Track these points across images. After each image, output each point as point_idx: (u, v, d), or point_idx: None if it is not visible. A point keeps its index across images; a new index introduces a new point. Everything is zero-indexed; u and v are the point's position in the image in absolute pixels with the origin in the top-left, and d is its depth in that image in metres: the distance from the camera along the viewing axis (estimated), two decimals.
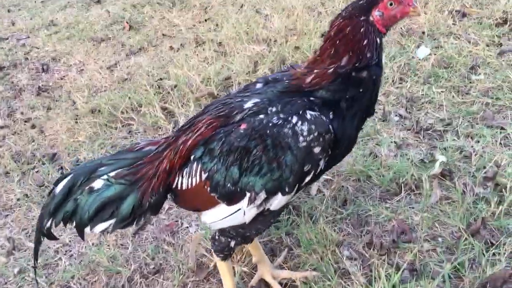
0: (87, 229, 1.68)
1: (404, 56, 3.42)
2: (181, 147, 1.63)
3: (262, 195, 1.53)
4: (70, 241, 2.35)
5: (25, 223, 2.53)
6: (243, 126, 1.53)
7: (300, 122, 1.48)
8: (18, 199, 2.69)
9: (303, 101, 1.54)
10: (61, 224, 1.70)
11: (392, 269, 1.90)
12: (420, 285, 1.79)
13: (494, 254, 1.91)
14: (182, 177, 1.64)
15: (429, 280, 1.82)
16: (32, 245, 2.35)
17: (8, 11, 5.90)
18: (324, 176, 2.46)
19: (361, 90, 1.56)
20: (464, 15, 3.84)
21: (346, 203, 2.32)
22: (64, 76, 4.03)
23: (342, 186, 2.40)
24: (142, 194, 1.65)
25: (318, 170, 1.54)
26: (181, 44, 4.23)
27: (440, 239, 2.03)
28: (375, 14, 1.54)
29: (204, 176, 1.58)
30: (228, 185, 1.54)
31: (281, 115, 1.50)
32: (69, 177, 1.69)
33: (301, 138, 1.46)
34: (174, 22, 4.76)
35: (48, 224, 1.70)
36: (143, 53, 4.26)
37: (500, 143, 2.50)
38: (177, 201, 1.74)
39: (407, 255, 1.99)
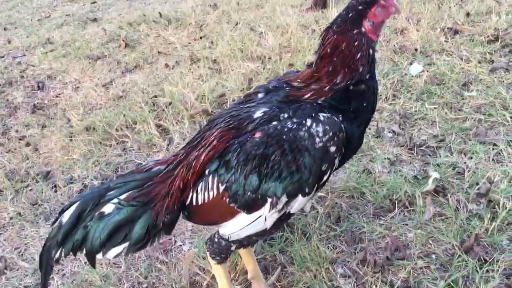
0: (99, 255, 1.65)
1: (397, 73, 3.45)
2: (194, 163, 1.64)
3: (284, 198, 1.56)
4: (62, 260, 2.32)
5: (18, 242, 2.51)
6: (258, 134, 1.56)
7: (314, 124, 1.52)
8: (11, 218, 2.68)
9: (312, 105, 1.59)
10: (71, 253, 1.66)
11: (386, 286, 1.90)
12: None
13: (487, 271, 1.90)
14: (197, 192, 1.64)
15: None
16: (25, 264, 2.33)
17: (5, 29, 5.95)
18: (318, 193, 2.47)
19: (364, 104, 1.63)
20: (456, 32, 3.89)
21: (340, 220, 2.32)
22: (59, 94, 4.05)
23: (336, 203, 2.40)
24: (156, 214, 1.65)
25: (334, 168, 1.59)
26: (176, 62, 4.27)
27: (434, 256, 2.02)
28: (366, 24, 1.58)
29: (221, 188, 1.59)
30: (248, 193, 1.56)
31: (295, 120, 1.55)
32: (76, 205, 1.65)
33: (317, 140, 1.51)
34: (170, 40, 4.81)
35: (57, 255, 1.65)
36: (138, 70, 4.29)
37: (493, 159, 2.51)
38: (191, 217, 1.73)
39: (401, 273, 1.98)
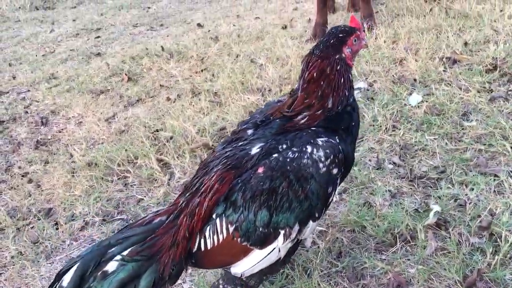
0: None
1: (396, 104, 3.47)
2: (197, 210, 1.63)
3: (296, 227, 1.59)
4: None
5: (19, 282, 2.50)
6: (261, 169, 1.58)
7: (315, 150, 1.58)
8: (12, 257, 2.67)
9: (307, 132, 1.65)
10: None
11: None
12: None
13: None
14: (205, 238, 1.63)
15: None
16: None
17: (10, 65, 6.05)
18: (318, 228, 2.46)
19: (353, 123, 1.76)
20: (454, 61, 3.92)
21: (341, 255, 2.30)
22: (62, 129, 4.09)
23: (337, 238, 2.38)
24: (162, 267, 1.62)
25: (337, 188, 1.66)
26: (177, 95, 4.31)
27: None
28: (346, 51, 1.71)
29: (231, 228, 1.59)
30: (260, 229, 1.57)
31: (295, 149, 1.59)
32: (76, 266, 1.59)
33: (321, 165, 1.57)
34: (172, 73, 4.87)
35: None
36: (140, 104, 4.34)
37: (494, 191, 2.49)
38: (200, 263, 1.72)
39: None
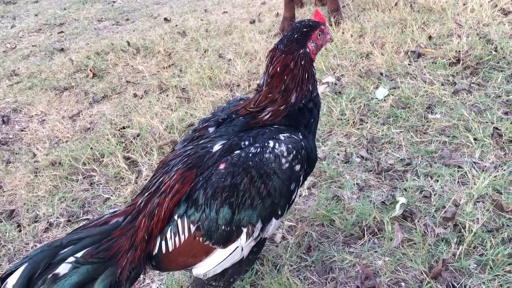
0: None
1: (363, 98, 3.50)
2: (157, 210, 1.58)
3: (259, 225, 1.56)
4: None
5: None
6: (222, 165, 1.55)
7: (277, 145, 1.55)
8: None
9: (270, 129, 1.63)
10: None
11: None
12: None
13: None
14: (166, 240, 1.58)
15: None
16: None
17: None
18: (288, 223, 2.46)
19: (312, 120, 1.75)
20: (419, 55, 3.99)
21: (310, 250, 2.30)
22: (25, 128, 3.96)
23: (306, 232, 2.39)
24: (120, 269, 1.54)
25: (300, 185, 1.63)
26: (145, 91, 4.24)
27: (403, 283, 2.03)
28: (310, 45, 1.71)
29: (193, 228, 1.55)
30: (222, 227, 1.53)
31: (257, 145, 1.57)
32: (23, 267, 1.46)
33: (283, 160, 1.54)
34: (138, 69, 4.78)
35: None
36: (106, 101, 4.24)
37: (458, 182, 2.55)
38: (161, 266, 1.64)
39: None
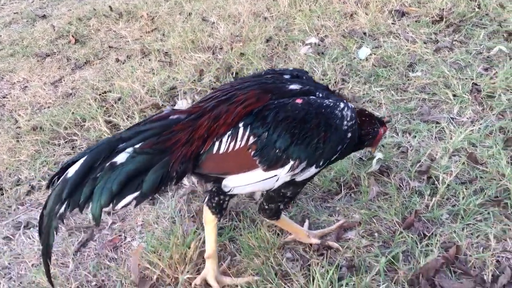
0: (107, 208, 1.61)
1: (346, 58, 3.49)
2: (225, 115, 1.67)
3: (302, 165, 1.66)
4: (9, 263, 2.28)
5: None
6: (299, 100, 1.68)
7: (346, 109, 1.70)
8: None
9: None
10: (78, 209, 1.59)
11: (331, 267, 1.93)
12: (353, 280, 1.82)
13: (427, 245, 1.96)
14: (221, 142, 1.66)
15: (365, 275, 1.85)
16: None
17: None
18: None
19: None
20: (403, 14, 3.96)
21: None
22: (6, 95, 3.93)
23: None
24: (173, 161, 1.64)
25: (336, 155, 1.75)
26: (127, 56, 4.19)
27: (376, 234, 2.07)
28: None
29: (252, 140, 1.64)
30: (276, 151, 1.63)
31: (330, 100, 1.71)
32: (85, 158, 1.60)
33: (345, 122, 1.68)
34: (121, 34, 4.72)
35: (62, 210, 1.57)
36: (88, 66, 4.20)
37: (435, 137, 2.58)
38: (202, 166, 1.70)
39: (347, 252, 2.02)
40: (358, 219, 2.16)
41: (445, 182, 2.19)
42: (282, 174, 1.67)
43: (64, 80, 3.98)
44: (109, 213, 2.45)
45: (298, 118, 1.63)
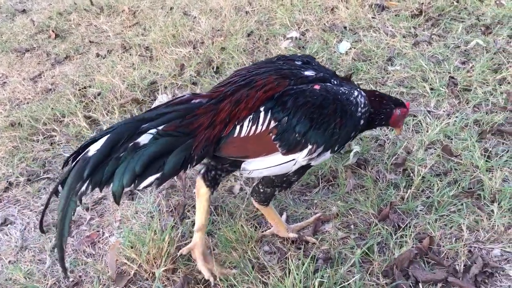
0: (129, 188, 1.61)
1: (326, 52, 3.50)
2: (246, 99, 1.71)
3: (320, 149, 1.71)
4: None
5: None
6: (317, 87, 1.73)
7: (359, 96, 1.77)
8: None
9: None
10: (98, 188, 1.57)
11: (308, 259, 1.94)
12: (328, 272, 1.84)
13: (402, 236, 1.99)
14: (242, 126, 1.70)
15: (340, 267, 1.87)
16: None
17: None
18: (246, 175, 2.49)
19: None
20: (383, 8, 3.98)
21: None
22: None
23: None
24: (196, 144, 1.66)
25: (350, 140, 1.83)
26: (108, 51, 4.16)
27: (353, 226, 2.10)
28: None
29: (273, 124, 1.68)
30: (296, 135, 1.68)
31: (345, 88, 1.77)
32: (107, 136, 1.60)
33: (359, 109, 1.75)
34: (102, 28, 4.68)
35: (83, 189, 1.56)
36: (68, 61, 4.16)
37: (412, 130, 2.61)
38: (224, 148, 1.73)
39: (324, 245, 2.04)
40: (335, 211, 2.18)
41: (420, 174, 2.22)
42: (300, 158, 1.72)
43: (43, 76, 3.94)
44: (87, 209, 2.44)
45: (316, 103, 1.69)
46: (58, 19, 4.98)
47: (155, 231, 2.08)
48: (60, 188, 1.61)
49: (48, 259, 2.19)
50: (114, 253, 2.09)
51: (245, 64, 3.44)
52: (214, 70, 3.51)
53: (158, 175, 1.62)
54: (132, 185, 1.59)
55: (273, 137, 1.68)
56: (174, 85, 3.39)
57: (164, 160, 1.62)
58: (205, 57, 3.65)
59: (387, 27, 3.67)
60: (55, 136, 3.06)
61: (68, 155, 1.66)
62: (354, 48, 3.47)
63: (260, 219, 2.24)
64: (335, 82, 1.81)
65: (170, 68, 3.59)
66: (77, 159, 1.60)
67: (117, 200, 1.60)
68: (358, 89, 1.81)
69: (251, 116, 1.70)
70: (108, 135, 1.61)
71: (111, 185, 1.58)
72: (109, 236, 2.28)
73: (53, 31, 4.70)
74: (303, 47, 3.63)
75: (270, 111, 1.69)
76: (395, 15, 3.81)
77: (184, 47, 3.86)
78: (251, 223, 2.21)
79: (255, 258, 2.03)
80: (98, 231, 2.32)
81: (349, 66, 3.29)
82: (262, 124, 1.69)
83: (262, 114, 1.69)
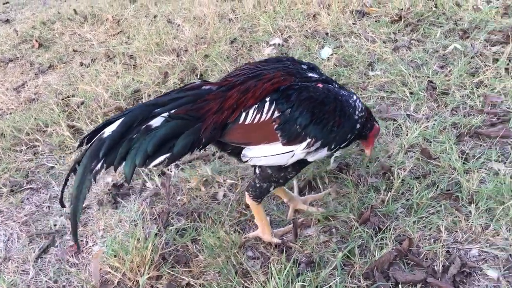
0: (141, 167, 1.71)
1: (308, 58, 3.55)
2: (254, 89, 1.81)
3: (318, 144, 1.80)
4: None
5: None
6: (320, 85, 1.85)
7: (358, 101, 1.89)
8: None
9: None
10: (112, 167, 1.68)
11: (291, 263, 1.97)
12: (310, 276, 1.86)
13: (382, 238, 2.02)
14: (247, 113, 1.79)
15: (322, 270, 1.90)
16: None
17: None
18: (229, 181, 2.51)
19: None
20: (364, 14, 4.04)
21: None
22: None
23: None
24: (205, 126, 1.76)
25: (345, 143, 1.92)
26: (92, 60, 4.17)
27: (334, 230, 2.12)
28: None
29: (276, 114, 1.78)
30: (297, 127, 1.77)
31: (345, 91, 1.89)
32: (123, 119, 1.70)
33: (357, 112, 1.86)
34: (86, 37, 4.68)
35: (98, 167, 1.67)
36: (52, 71, 4.16)
37: (393, 134, 2.65)
38: (228, 134, 1.82)
39: (306, 249, 2.06)
40: (317, 216, 2.21)
41: (400, 177, 2.26)
42: (298, 151, 1.80)
43: (27, 85, 3.93)
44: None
45: (318, 99, 1.79)
46: (41, 29, 4.97)
47: (138, 239, 2.09)
48: (76, 166, 1.71)
49: (31, 269, 2.18)
50: (98, 262, 2.10)
51: (228, 71, 3.47)
52: (198, 77, 3.53)
53: (168, 154, 1.72)
54: (144, 164, 1.70)
55: (275, 126, 1.78)
56: (158, 93, 3.40)
57: (174, 142, 1.73)
58: (189, 65, 3.67)
59: (368, 33, 3.73)
60: (38, 146, 3.05)
61: (84, 136, 1.78)
62: (336, 53, 3.52)
63: (244, 225, 2.27)
64: (336, 86, 1.93)
65: (153, 76, 3.60)
66: (92, 140, 1.72)
67: (128, 180, 1.73)
68: (356, 96, 1.92)
69: (257, 105, 1.80)
70: (123, 117, 1.72)
71: (123, 164, 1.70)
72: (93, 245, 2.29)
73: (36, 40, 4.69)
74: (286, 53, 3.67)
75: (275, 102, 1.79)
76: (376, 21, 3.87)
77: (167, 55, 3.88)
78: (235, 229, 2.23)
79: (238, 263, 2.04)
80: (81, 241, 2.32)
81: (331, 71, 3.33)
82: (267, 113, 1.78)
83: (267, 104, 1.79)
